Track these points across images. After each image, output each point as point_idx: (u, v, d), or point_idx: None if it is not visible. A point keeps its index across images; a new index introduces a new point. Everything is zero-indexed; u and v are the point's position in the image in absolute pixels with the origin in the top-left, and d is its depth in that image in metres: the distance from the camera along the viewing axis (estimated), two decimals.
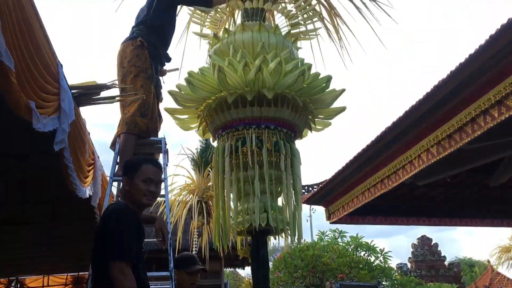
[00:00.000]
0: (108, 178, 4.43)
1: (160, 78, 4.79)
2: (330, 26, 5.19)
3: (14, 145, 3.72)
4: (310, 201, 12.14)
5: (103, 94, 3.81)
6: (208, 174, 10.24)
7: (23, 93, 2.50)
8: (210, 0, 4.76)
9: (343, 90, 4.52)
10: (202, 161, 10.71)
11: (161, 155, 4.33)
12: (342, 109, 4.69)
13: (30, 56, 2.56)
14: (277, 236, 4.36)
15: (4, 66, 2.21)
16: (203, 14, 5.17)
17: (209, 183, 10.18)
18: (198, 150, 11.75)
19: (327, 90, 4.45)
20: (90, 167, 4.16)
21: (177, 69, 5.06)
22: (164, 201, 4.40)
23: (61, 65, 3.17)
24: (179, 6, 4.97)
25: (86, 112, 3.72)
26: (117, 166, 4.07)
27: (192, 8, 5.11)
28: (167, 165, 4.24)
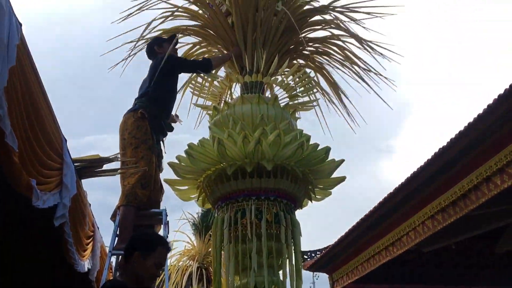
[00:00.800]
0: (107, 249, 4.39)
1: (162, 148, 4.85)
2: (328, 95, 5.34)
3: (13, 216, 3.71)
4: (313, 267, 11.90)
5: (105, 166, 3.87)
6: (209, 239, 10.11)
7: (24, 171, 2.54)
8: (210, 65, 4.87)
9: (342, 161, 4.57)
10: (203, 226, 10.61)
11: (161, 226, 4.32)
12: (342, 179, 4.71)
13: (34, 134, 2.62)
14: None
15: (8, 146, 2.27)
16: (203, 85, 5.33)
17: (210, 249, 10.03)
18: (199, 214, 11.65)
19: (326, 160, 4.50)
20: (90, 240, 4.14)
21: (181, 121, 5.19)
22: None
23: (65, 140, 3.24)
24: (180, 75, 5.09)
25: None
26: (116, 239, 4.05)
27: (192, 74, 5.25)
28: (167, 237, 4.21)
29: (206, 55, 5.31)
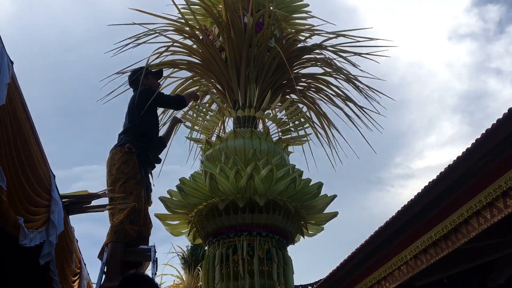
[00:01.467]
0: (93, 286, 4.27)
1: (151, 180, 4.77)
2: (320, 130, 5.37)
3: None
4: None
5: (94, 202, 3.80)
6: (198, 273, 9.93)
7: (12, 209, 2.48)
8: (183, 103, 4.79)
9: (334, 196, 4.55)
10: (192, 259, 10.44)
11: (150, 263, 4.22)
12: (334, 214, 4.68)
13: (23, 172, 2.57)
14: None
15: None
16: (196, 119, 5.32)
17: (199, 283, 9.84)
18: (188, 247, 11.46)
19: (319, 196, 4.47)
20: (76, 277, 4.02)
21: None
22: None
23: (54, 176, 3.19)
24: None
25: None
26: (103, 276, 3.94)
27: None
28: (155, 274, 4.11)
29: (198, 89, 5.33)
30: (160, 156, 4.83)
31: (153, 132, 4.73)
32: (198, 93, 4.96)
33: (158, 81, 4.94)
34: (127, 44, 4.81)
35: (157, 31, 4.84)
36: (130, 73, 4.92)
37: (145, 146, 4.55)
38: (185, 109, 5.27)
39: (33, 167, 2.71)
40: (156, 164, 4.78)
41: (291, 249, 4.69)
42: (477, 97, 27.97)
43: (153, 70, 4.90)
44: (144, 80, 4.77)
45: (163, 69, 5.02)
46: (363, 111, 5.04)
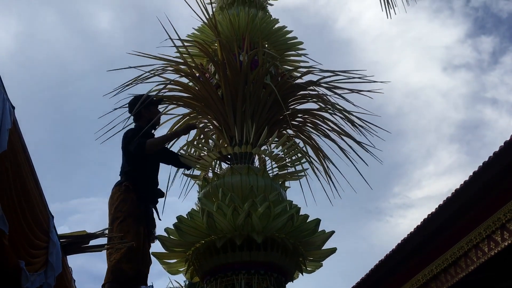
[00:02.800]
0: None
1: (155, 216, 4.72)
2: (318, 165, 5.40)
3: None
4: None
5: (92, 242, 3.79)
6: None
7: (14, 253, 2.50)
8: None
9: (332, 232, 4.54)
10: None
11: None
12: (333, 250, 4.66)
13: (23, 216, 2.59)
14: None
15: None
16: (192, 155, 5.33)
17: None
18: (186, 283, 11.28)
19: (317, 232, 4.47)
20: None
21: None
22: None
23: (52, 217, 3.20)
24: None
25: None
26: None
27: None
28: None
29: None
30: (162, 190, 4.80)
31: (149, 169, 4.70)
32: (195, 122, 4.95)
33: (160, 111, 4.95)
34: (125, 86, 4.90)
35: (155, 74, 4.92)
36: (131, 100, 4.89)
37: (144, 182, 4.54)
38: (182, 143, 5.31)
39: (32, 210, 2.74)
40: (158, 199, 4.75)
41: (289, 285, 4.65)
42: (473, 126, 28.19)
43: (154, 99, 4.89)
44: (145, 112, 4.78)
45: (162, 103, 5.07)
46: (360, 145, 5.09)
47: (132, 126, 4.87)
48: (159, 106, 5.04)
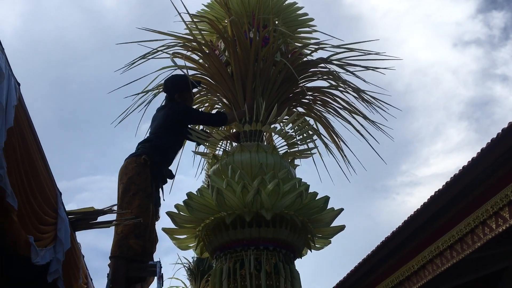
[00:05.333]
0: None
1: (161, 195, 4.75)
2: (328, 143, 5.37)
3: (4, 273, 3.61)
4: None
5: (100, 218, 3.80)
6: (205, 285, 9.87)
7: (23, 229, 2.51)
8: (225, 121, 4.85)
9: (341, 210, 4.54)
10: (198, 271, 10.37)
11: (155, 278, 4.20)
12: (341, 228, 4.66)
13: (32, 192, 2.60)
14: None
15: (7, 205, 2.25)
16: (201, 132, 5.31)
17: None
18: (194, 259, 11.41)
19: (326, 209, 4.46)
20: None
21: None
22: None
23: (60, 193, 3.20)
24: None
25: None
26: None
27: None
28: None
29: (206, 103, 5.36)
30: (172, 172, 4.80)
31: (172, 149, 4.68)
32: (243, 110, 4.85)
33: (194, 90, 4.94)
34: (134, 62, 4.84)
35: (164, 51, 4.87)
36: (168, 78, 4.92)
37: (160, 161, 4.49)
38: None
39: (40, 186, 2.73)
40: (168, 180, 4.74)
41: (297, 261, 4.67)
42: (483, 103, 27.83)
43: (192, 80, 4.86)
44: (178, 97, 4.76)
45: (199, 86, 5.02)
46: (370, 122, 5.04)
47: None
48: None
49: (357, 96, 4.94)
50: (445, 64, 27.46)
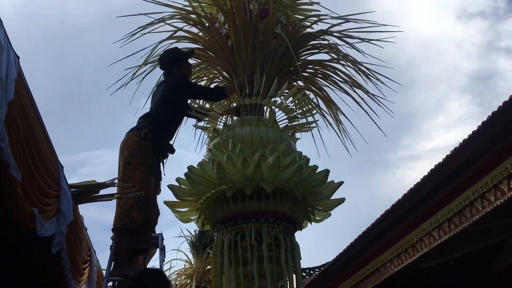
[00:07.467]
0: (103, 273, 4.34)
1: (162, 169, 4.78)
2: (328, 117, 5.37)
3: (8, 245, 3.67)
4: (312, 286, 11.80)
5: (102, 192, 3.83)
6: (207, 257, 10.02)
7: (27, 201, 2.55)
8: (223, 95, 4.88)
9: (341, 183, 4.57)
10: (200, 243, 10.51)
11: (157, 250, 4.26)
12: (341, 200, 4.70)
13: (34, 164, 2.63)
14: None
15: (11, 178, 2.28)
16: (202, 107, 5.32)
17: (208, 267, 9.94)
18: (196, 232, 11.55)
19: (326, 182, 4.49)
20: (86, 264, 4.10)
21: None
22: None
23: (62, 167, 3.23)
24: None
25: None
26: (113, 264, 3.99)
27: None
28: (163, 261, 4.16)
29: (205, 77, 5.34)
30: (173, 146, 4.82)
31: (173, 123, 4.71)
32: (240, 80, 4.84)
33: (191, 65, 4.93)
34: (133, 35, 4.81)
35: (164, 21, 4.83)
36: (161, 54, 4.90)
37: (161, 135, 4.51)
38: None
39: (42, 159, 2.76)
40: (169, 154, 4.77)
41: (297, 232, 4.74)
42: (486, 77, 27.62)
43: (184, 51, 4.86)
44: (176, 71, 4.75)
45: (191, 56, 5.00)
46: (371, 96, 5.03)
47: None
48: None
49: (357, 69, 4.90)
50: (449, 37, 27.17)
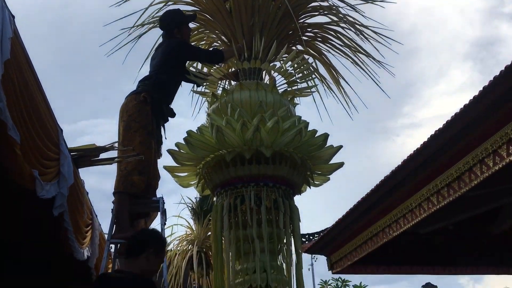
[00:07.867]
0: (105, 236, 4.39)
1: (162, 133, 4.78)
2: (329, 82, 5.33)
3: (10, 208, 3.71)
4: (311, 250, 11.97)
5: (102, 155, 3.84)
6: (208, 223, 10.16)
7: (26, 163, 2.55)
8: (222, 58, 4.82)
9: (340, 147, 4.58)
10: (201, 210, 10.64)
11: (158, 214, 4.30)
12: (340, 165, 4.72)
13: (33, 126, 2.62)
14: None
15: (10, 139, 2.27)
16: (201, 71, 5.27)
17: (209, 233, 10.09)
18: (197, 199, 11.67)
19: (325, 147, 4.51)
20: (88, 228, 4.14)
21: None
22: None
23: (61, 130, 3.23)
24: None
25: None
26: (114, 227, 4.04)
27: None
28: (165, 224, 4.20)
29: (203, 41, 5.27)
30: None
31: (172, 86, 4.66)
32: (239, 45, 4.81)
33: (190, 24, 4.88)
34: None
35: None
36: (163, 14, 4.83)
37: (161, 98, 4.47)
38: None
39: (41, 120, 2.75)
40: (169, 118, 4.75)
41: (297, 199, 4.78)
42: (489, 43, 27.38)
43: (186, 14, 4.78)
44: (177, 33, 4.69)
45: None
46: (371, 59, 4.97)
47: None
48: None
49: (357, 32, 4.84)
50: (452, 2, 26.71)
